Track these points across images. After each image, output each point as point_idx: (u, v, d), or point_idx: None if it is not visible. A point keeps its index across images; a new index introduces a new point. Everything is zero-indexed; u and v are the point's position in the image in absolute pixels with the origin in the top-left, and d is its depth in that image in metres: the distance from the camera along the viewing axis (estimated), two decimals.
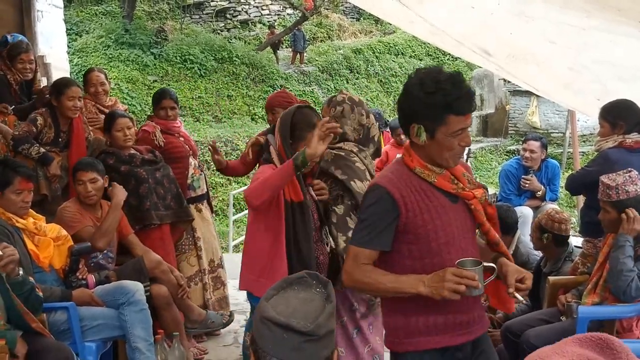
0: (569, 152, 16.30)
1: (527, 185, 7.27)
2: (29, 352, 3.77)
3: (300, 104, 4.44)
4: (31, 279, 3.94)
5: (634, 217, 4.16)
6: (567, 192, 6.79)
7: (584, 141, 19.21)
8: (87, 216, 4.93)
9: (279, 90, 5.40)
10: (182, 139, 5.94)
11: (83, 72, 6.84)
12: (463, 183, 2.86)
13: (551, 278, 4.88)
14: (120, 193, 5.00)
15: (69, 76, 8.27)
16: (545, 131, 19.53)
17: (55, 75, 7.44)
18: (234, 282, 7.54)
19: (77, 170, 4.92)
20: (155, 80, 20.24)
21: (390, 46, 24.63)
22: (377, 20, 26.48)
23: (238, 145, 17.90)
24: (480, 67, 19.50)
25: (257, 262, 3.86)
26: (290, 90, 20.41)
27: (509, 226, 5.66)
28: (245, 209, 14.58)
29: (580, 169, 5.60)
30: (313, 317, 1.77)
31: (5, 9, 7.27)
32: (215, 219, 11.55)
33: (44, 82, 7.12)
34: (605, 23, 4.03)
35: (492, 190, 7.40)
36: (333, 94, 5.29)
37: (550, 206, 7.20)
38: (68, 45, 10.43)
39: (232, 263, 7.71)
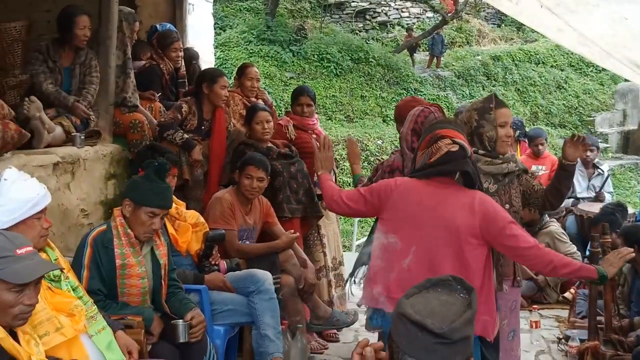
0: None
1: None
2: (164, 331, 3.95)
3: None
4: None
5: None
6: None
7: None
8: (238, 209, 5.10)
9: (409, 97, 5.22)
10: (314, 136, 6.04)
11: (225, 65, 7.09)
12: None
13: None
14: (288, 242, 5.19)
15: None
16: None
17: (202, 67, 7.69)
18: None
19: (249, 164, 5.08)
20: (292, 77, 20.59)
21: (531, 54, 23.96)
22: (519, 28, 25.84)
23: (368, 145, 17.94)
24: (626, 80, 18.68)
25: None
26: (424, 95, 20.34)
27: None
28: None
29: None
30: (450, 321, 1.77)
31: (160, 1, 7.60)
32: (340, 217, 11.66)
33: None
34: None
35: (631, 209, 7.08)
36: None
37: None
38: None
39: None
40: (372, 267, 3.57)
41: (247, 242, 5.14)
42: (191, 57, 6.91)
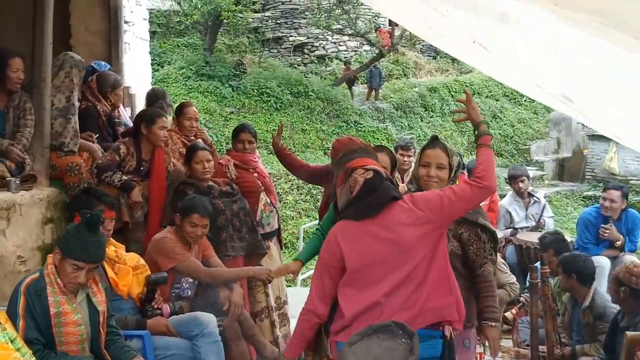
0: None
1: (606, 234, 7.10)
2: None
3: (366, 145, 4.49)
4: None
5: None
6: None
7: None
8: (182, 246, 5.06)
9: (346, 138, 5.35)
10: (256, 174, 6.03)
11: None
12: None
13: (629, 333, 4.74)
14: (262, 273, 5.15)
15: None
16: (624, 178, 19.01)
17: (140, 106, 7.64)
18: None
19: (194, 212, 5.01)
20: (232, 112, 20.57)
21: (466, 85, 24.45)
22: (454, 60, 26.36)
23: None
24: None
25: None
26: (364, 126, 20.54)
27: (586, 277, 5.55)
28: None
29: None
30: None
31: (95, 41, 7.53)
32: (284, 252, 11.61)
33: (128, 113, 7.32)
34: None
35: (568, 237, 7.23)
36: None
37: (629, 257, 7.01)
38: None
39: (300, 297, 7.69)
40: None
41: (195, 281, 5.08)
42: (157, 96, 6.82)
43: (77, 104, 5.53)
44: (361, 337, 1.86)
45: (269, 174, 6.70)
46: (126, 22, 8.06)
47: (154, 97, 6.77)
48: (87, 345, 3.89)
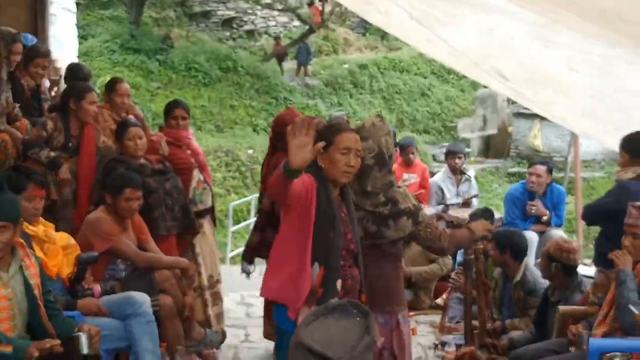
0: (570, 176, 16.30)
1: (532, 210, 7.24)
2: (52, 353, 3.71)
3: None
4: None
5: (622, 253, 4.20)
6: (568, 217, 6.79)
7: (585, 166, 19.21)
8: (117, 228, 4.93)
9: (288, 109, 5.50)
10: (189, 151, 5.91)
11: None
12: None
13: (561, 308, 4.85)
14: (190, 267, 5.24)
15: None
16: (547, 154, 19.51)
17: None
18: (232, 295, 7.53)
19: (127, 186, 4.88)
20: (159, 87, 20.21)
21: (395, 63, 24.63)
22: (383, 36, 26.49)
23: (239, 155, 17.86)
24: (485, 87, 19.53)
25: (284, 268, 3.56)
26: (294, 103, 20.45)
27: (520, 252, 5.66)
28: (243, 221, 14.58)
29: (597, 200, 5.61)
30: (350, 348, 1.74)
31: (19, 11, 7.25)
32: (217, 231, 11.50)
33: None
34: (632, 54, 4.01)
35: (497, 214, 7.37)
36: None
37: (556, 232, 7.18)
38: None
39: (230, 275, 7.67)
40: None
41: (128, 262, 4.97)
42: (85, 76, 6.58)
43: (5, 79, 5.31)
44: (316, 316, 1.82)
45: None
46: None
47: (74, 74, 6.55)
48: (19, 321, 3.73)
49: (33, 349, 3.48)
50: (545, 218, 7.32)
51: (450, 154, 8.42)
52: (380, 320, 3.91)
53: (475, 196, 8.33)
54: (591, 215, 5.39)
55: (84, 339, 3.75)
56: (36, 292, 3.79)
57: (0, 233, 3.61)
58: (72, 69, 6.77)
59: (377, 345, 3.85)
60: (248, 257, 5.86)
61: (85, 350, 3.75)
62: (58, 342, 3.57)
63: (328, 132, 3.60)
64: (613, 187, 5.23)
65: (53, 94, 6.75)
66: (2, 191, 3.66)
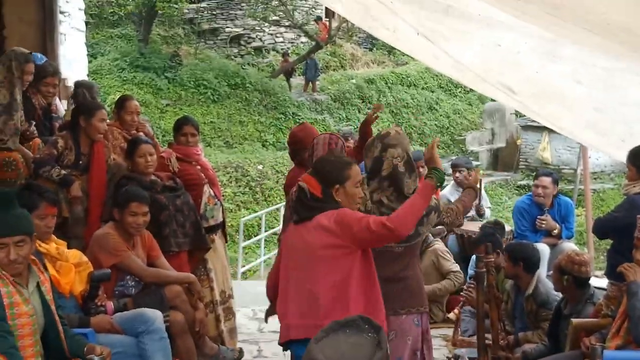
0: (580, 189, 16.25)
1: (543, 225, 7.21)
2: None
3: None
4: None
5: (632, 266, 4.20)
6: (578, 230, 6.78)
7: (595, 178, 19.17)
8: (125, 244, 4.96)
9: (302, 125, 5.63)
10: (199, 167, 5.94)
11: (101, 95, 6.90)
12: None
13: (574, 320, 4.83)
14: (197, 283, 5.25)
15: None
16: (557, 167, 19.50)
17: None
18: (244, 311, 7.53)
19: (132, 201, 4.91)
20: (168, 104, 20.31)
21: (402, 77, 24.70)
22: (390, 51, 26.58)
23: (248, 171, 17.91)
24: (493, 100, 19.53)
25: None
26: (302, 118, 20.52)
27: (532, 265, 5.66)
28: (254, 236, 14.58)
29: (607, 214, 5.62)
30: None
31: (29, 31, 7.30)
32: (228, 245, 11.50)
33: (64, 105, 7.13)
34: (636, 67, 4.03)
35: (507, 227, 7.36)
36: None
37: (568, 245, 7.15)
38: None
39: (242, 290, 7.67)
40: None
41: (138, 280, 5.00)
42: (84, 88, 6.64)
43: (20, 99, 5.36)
44: (327, 333, 1.83)
45: None
46: (62, 13, 7.85)
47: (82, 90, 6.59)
48: (39, 337, 3.77)
49: None
50: (555, 232, 7.30)
51: (452, 168, 8.46)
52: (415, 321, 4.12)
53: (480, 204, 8.29)
54: (602, 229, 5.46)
55: None
56: (52, 307, 3.83)
57: (20, 248, 3.65)
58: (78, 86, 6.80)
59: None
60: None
61: None
62: None
63: (340, 168, 3.75)
64: (623, 202, 5.25)
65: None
66: (14, 206, 3.70)
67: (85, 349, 3.88)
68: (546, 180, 7.27)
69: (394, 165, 3.98)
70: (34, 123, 5.89)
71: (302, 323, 3.60)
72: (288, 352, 3.86)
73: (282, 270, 3.82)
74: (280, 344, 3.80)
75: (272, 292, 4.03)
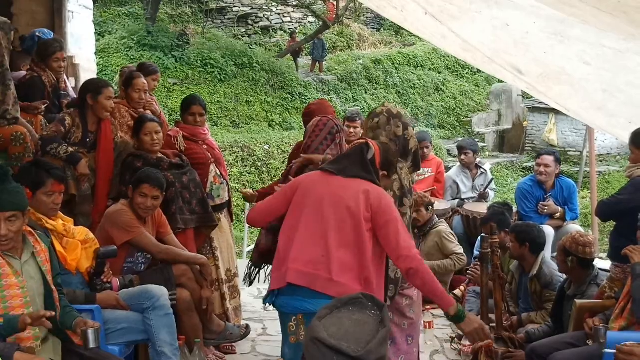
0: (585, 171, 16.25)
1: (545, 210, 7.21)
2: None
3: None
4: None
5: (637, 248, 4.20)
6: (583, 212, 6.77)
7: (600, 160, 19.12)
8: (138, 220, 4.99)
9: (320, 99, 5.79)
10: (205, 146, 5.94)
11: (105, 72, 6.90)
12: None
13: (578, 301, 4.85)
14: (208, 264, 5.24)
15: (96, 77, 8.32)
16: (563, 149, 19.46)
17: (84, 76, 7.45)
18: (249, 289, 7.56)
19: (143, 182, 4.92)
20: (175, 84, 20.30)
21: (409, 58, 24.62)
22: (397, 32, 26.48)
23: (255, 151, 17.91)
24: (500, 81, 19.46)
25: None
26: (308, 98, 20.49)
27: (539, 246, 5.67)
28: None
29: (611, 197, 5.62)
30: (365, 342, 1.75)
31: (38, 9, 7.29)
32: (234, 224, 11.54)
33: (71, 83, 7.13)
34: None
35: (515, 208, 7.37)
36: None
37: (573, 227, 7.15)
38: None
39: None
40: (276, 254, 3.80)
41: (148, 256, 5.03)
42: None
43: (7, 66, 5.31)
44: (330, 310, 1.83)
45: None
46: None
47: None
48: (36, 308, 3.78)
49: (26, 317, 3.54)
50: (558, 215, 7.29)
51: (458, 150, 8.47)
52: None
53: (489, 185, 8.30)
54: (605, 212, 5.46)
55: (90, 333, 3.81)
56: (48, 277, 3.85)
57: (11, 223, 3.67)
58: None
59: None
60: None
61: (91, 344, 3.81)
62: (52, 313, 3.63)
63: (393, 166, 4.01)
64: (627, 185, 5.25)
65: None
66: (7, 181, 3.71)
67: (74, 322, 3.90)
68: (548, 159, 7.25)
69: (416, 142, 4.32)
70: (47, 104, 5.89)
71: (308, 271, 3.59)
72: (271, 308, 3.92)
73: (293, 213, 3.77)
74: (270, 291, 3.78)
75: (257, 223, 4.21)
